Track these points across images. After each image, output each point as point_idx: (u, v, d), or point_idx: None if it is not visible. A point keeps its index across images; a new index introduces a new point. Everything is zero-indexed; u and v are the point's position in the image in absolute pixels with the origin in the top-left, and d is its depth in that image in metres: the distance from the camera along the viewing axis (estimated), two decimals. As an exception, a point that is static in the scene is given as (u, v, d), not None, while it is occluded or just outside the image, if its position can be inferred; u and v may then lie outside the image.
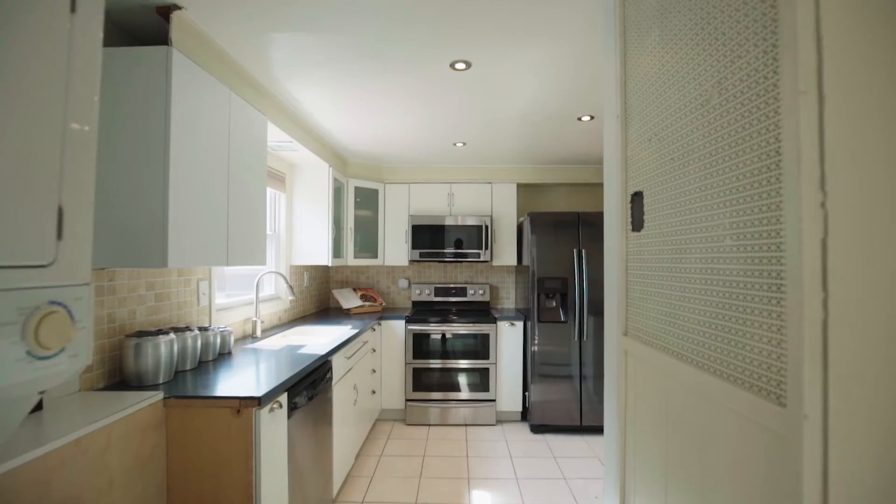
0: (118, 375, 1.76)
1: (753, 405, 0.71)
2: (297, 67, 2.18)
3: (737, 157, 0.76)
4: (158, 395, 1.59)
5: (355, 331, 3.01)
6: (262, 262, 2.31)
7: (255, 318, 2.78)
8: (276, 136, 2.76)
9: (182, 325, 2.17)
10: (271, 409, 1.68)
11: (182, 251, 1.64)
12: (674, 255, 0.99)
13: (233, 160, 2.01)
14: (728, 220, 0.79)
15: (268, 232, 3.36)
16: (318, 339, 3.03)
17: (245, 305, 2.83)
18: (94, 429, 1.28)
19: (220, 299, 2.71)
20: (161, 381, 1.76)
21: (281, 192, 3.43)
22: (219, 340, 2.21)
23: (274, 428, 1.72)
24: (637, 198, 1.19)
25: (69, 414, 1.36)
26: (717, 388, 0.81)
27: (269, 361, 2.14)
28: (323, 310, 4.29)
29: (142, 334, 1.76)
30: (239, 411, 1.59)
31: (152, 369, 1.74)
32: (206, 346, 2.12)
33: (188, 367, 1.97)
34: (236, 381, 1.80)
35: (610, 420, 1.34)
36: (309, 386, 2.11)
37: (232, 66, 2.08)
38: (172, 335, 1.83)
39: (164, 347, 1.77)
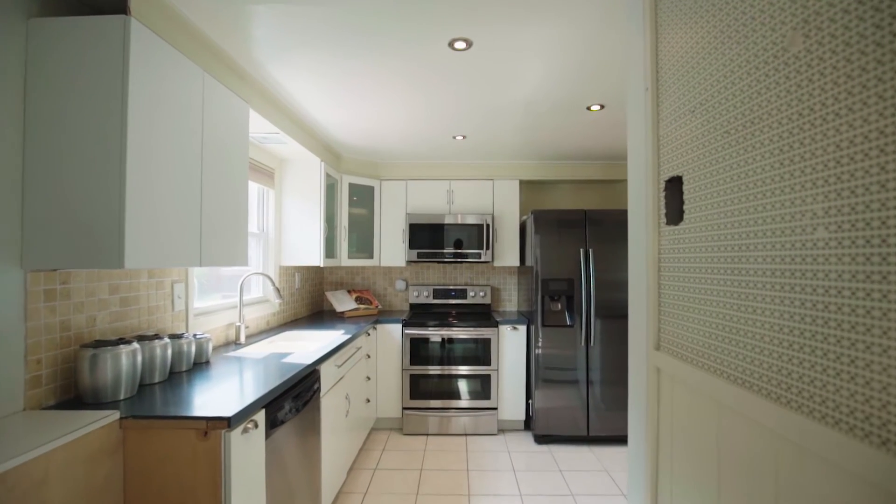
0: (73, 391, 1.56)
1: (876, 464, 0.50)
2: (281, 48, 1.98)
3: (838, 117, 0.56)
4: (114, 415, 1.38)
5: (348, 336, 2.81)
6: (244, 262, 2.11)
7: (238, 324, 2.58)
8: (261, 126, 2.56)
9: (152, 332, 1.96)
10: (245, 430, 1.48)
11: (143, 250, 1.44)
12: (729, 252, 0.79)
13: (208, 150, 1.81)
14: (820, 205, 0.59)
15: (255, 230, 3.16)
16: (308, 345, 2.83)
17: (228, 309, 2.63)
18: (25, 460, 1.08)
19: (212, 301, 2.51)
20: (122, 396, 1.56)
21: (269, 188, 3.22)
22: (194, 349, 2.00)
23: (248, 450, 1.52)
24: (673, 184, 0.98)
25: (2, 440, 1.15)
26: (806, 431, 0.60)
27: (250, 372, 1.93)
28: (316, 313, 4.08)
29: (99, 344, 1.55)
30: (206, 433, 1.39)
31: (111, 384, 1.53)
32: (178, 355, 1.92)
33: (156, 380, 1.77)
34: (209, 396, 1.60)
35: (636, 448, 1.14)
36: (293, 399, 1.90)
37: (206, 44, 1.88)
38: (136, 344, 1.62)
39: (126, 359, 1.57)
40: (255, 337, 2.78)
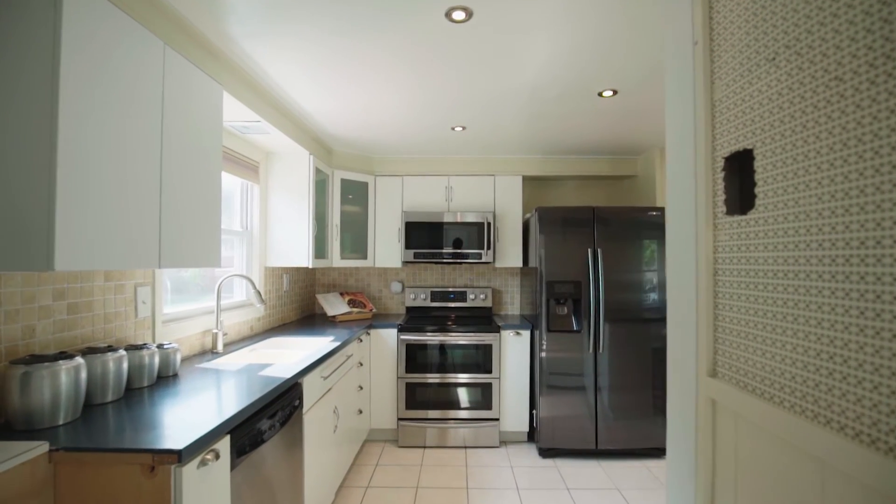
0: (2, 416, 1.33)
1: None
2: (257, 21, 1.74)
3: None
4: (41, 448, 1.15)
5: (337, 343, 2.58)
6: (215, 263, 1.87)
7: (215, 330, 2.34)
8: (240, 113, 2.33)
9: (109, 342, 1.73)
10: (202, 463, 1.24)
11: (80, 249, 1.21)
12: (840, 249, 0.55)
13: (170, 134, 1.58)
14: None
15: (238, 229, 2.93)
16: (294, 353, 2.59)
17: (204, 315, 2.40)
18: None
19: (186, 305, 2.27)
20: (61, 421, 1.32)
21: (254, 182, 2.99)
22: (157, 361, 1.77)
23: (208, 486, 1.28)
24: (737, 161, 0.75)
25: None
26: None
27: (221, 387, 1.70)
28: (307, 317, 3.85)
29: (34, 359, 1.32)
30: (153, 469, 1.15)
31: (48, 406, 1.30)
32: (138, 368, 1.69)
33: (109, 399, 1.53)
34: (168, 419, 1.36)
35: (679, 497, 0.90)
36: (269, 419, 1.67)
37: (167, 13, 1.65)
38: (80, 359, 1.39)
39: (66, 376, 1.33)
40: (235, 345, 2.55)
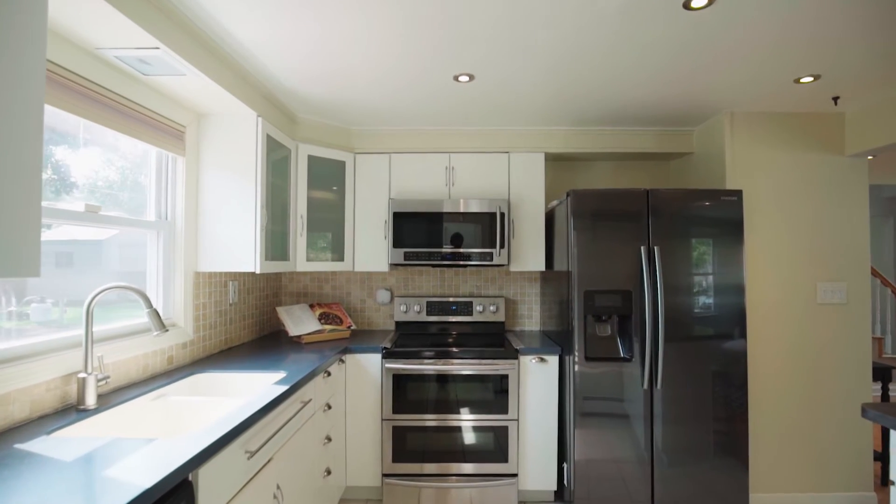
0: None
1: None
2: None
3: None
4: None
5: (285, 387, 1.72)
6: (32, 271, 1.01)
7: (83, 374, 1.48)
8: (117, 31, 1.46)
9: None
10: None
11: None
12: None
13: None
14: None
15: (151, 218, 2.07)
16: (222, 403, 1.72)
17: (70, 349, 1.54)
18: None
19: (38, 336, 1.42)
20: None
21: (178, 154, 2.13)
22: None
23: None
24: None
25: None
26: None
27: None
28: (268, 336, 2.99)
29: None
30: None
31: None
32: None
33: None
34: None
35: None
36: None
37: None
38: None
39: None
40: (133, 389, 1.68)
